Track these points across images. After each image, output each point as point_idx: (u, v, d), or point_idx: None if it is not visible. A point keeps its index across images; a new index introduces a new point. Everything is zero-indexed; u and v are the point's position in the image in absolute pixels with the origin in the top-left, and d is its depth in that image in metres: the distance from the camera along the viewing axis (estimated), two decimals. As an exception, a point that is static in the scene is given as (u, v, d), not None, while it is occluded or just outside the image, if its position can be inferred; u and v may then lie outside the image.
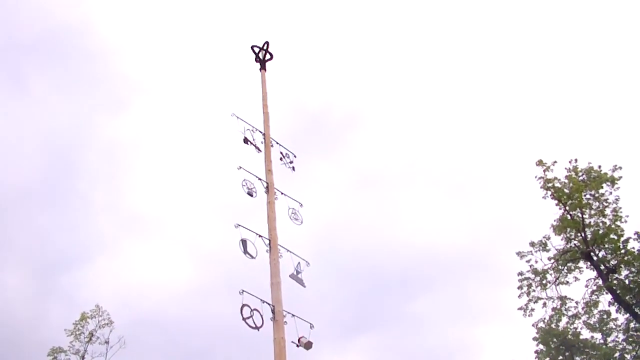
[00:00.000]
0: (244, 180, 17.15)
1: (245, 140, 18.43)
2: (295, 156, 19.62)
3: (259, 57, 20.96)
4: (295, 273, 16.29)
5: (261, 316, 14.64)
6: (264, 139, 18.86)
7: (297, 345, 15.08)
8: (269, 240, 16.00)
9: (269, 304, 14.90)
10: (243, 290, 14.49)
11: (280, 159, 19.17)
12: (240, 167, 17.23)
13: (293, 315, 15.08)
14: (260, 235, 15.88)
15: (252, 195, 17.01)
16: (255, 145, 18.54)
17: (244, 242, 15.42)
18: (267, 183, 17.44)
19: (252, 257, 15.67)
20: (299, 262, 16.47)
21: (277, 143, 19.28)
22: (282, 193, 17.70)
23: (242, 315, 14.39)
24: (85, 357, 33.28)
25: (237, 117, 18.59)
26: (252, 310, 14.54)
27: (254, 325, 14.43)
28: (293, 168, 19.31)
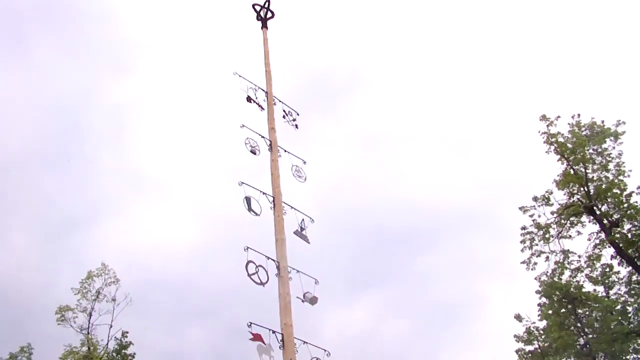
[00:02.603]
0: (247, 138, 17.20)
1: (248, 99, 18.43)
2: (298, 114, 19.63)
3: (260, 16, 20.84)
4: (299, 230, 16.42)
5: (266, 272, 14.78)
6: (267, 97, 18.85)
7: (302, 301, 15.27)
8: (273, 197, 16.10)
9: (273, 260, 15.05)
10: (248, 247, 14.62)
11: (283, 117, 19.18)
12: (243, 126, 17.27)
13: (298, 271, 15.24)
14: (264, 193, 15.98)
15: (255, 153, 17.08)
16: (258, 104, 18.55)
17: (248, 200, 15.52)
18: (270, 141, 17.49)
19: (256, 214, 15.78)
20: (302, 219, 16.60)
21: (280, 101, 19.28)
22: (285, 151, 17.76)
23: (247, 271, 14.53)
24: (93, 314, 33.69)
25: (240, 76, 18.57)
26: (257, 267, 14.68)
27: (259, 282, 14.58)
28: (296, 126, 19.34)
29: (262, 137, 17.56)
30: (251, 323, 13.71)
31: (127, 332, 35.25)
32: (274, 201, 16.04)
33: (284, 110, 19.30)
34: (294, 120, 19.40)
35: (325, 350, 14.87)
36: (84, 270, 34.56)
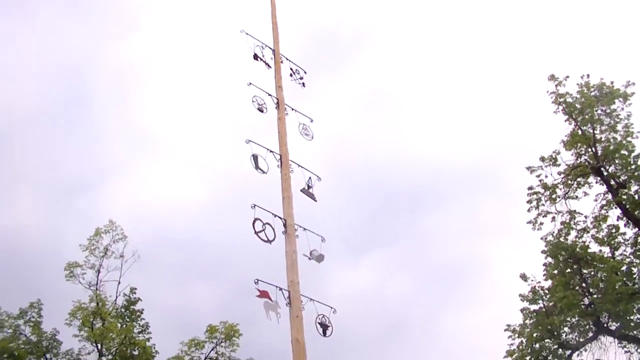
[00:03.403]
0: (254, 96, 17.20)
1: (255, 57, 18.38)
2: (305, 72, 19.57)
3: (267, -28, 20.61)
4: (306, 187, 16.47)
5: (273, 230, 14.86)
6: (274, 55, 18.78)
7: (309, 258, 15.37)
8: (280, 155, 16.13)
9: (280, 218, 15.12)
10: (255, 205, 14.68)
11: (290, 75, 19.14)
12: (251, 84, 17.25)
13: (304, 228, 15.32)
14: (271, 151, 16.01)
15: (262, 111, 17.08)
16: (265, 62, 18.49)
17: (255, 158, 15.56)
18: (277, 99, 17.46)
19: (263, 172, 15.82)
20: (309, 177, 16.64)
21: (287, 59, 19.21)
22: (292, 109, 17.75)
23: (254, 229, 14.61)
24: (101, 271, 34.04)
25: (247, 34, 18.48)
26: (264, 224, 14.76)
27: (265, 239, 14.67)
28: (303, 84, 19.29)
29: (269, 95, 17.54)
30: (258, 280, 13.84)
31: (136, 289, 35.62)
32: (281, 159, 16.07)
33: (291, 69, 19.25)
34: (301, 78, 19.35)
35: (331, 308, 15.01)
36: (92, 229, 34.79)
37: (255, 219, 14.66)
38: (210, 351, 33.84)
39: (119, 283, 34.53)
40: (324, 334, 14.71)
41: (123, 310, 35.22)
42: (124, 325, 34.09)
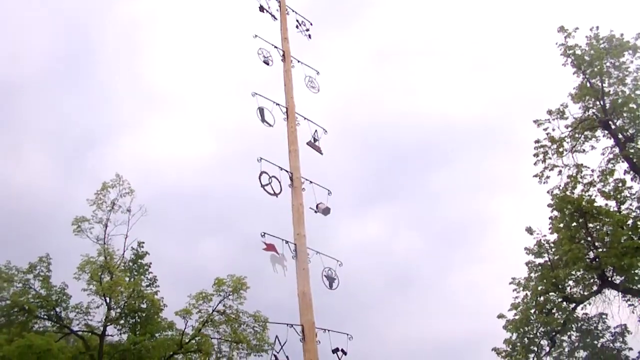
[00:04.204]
0: (260, 49, 17.00)
1: (261, 9, 18.14)
2: (311, 24, 19.33)
3: None
4: (312, 141, 16.39)
5: (279, 183, 14.83)
6: (280, 6, 18.52)
7: (315, 211, 15.36)
8: (286, 108, 16.01)
9: (287, 171, 15.07)
10: (261, 158, 14.62)
11: (296, 27, 18.91)
12: (256, 36, 17.04)
13: (311, 182, 15.27)
14: (277, 104, 15.88)
15: (268, 64, 16.90)
16: (270, 13, 18.26)
17: (261, 111, 15.45)
18: (283, 51, 17.26)
19: (269, 125, 15.74)
20: (316, 130, 16.54)
21: (293, 11, 18.96)
22: (298, 61, 17.57)
23: (260, 182, 14.58)
24: (108, 225, 34.19)
25: (252, -15, 18.24)
26: (270, 178, 14.72)
27: (272, 192, 14.65)
28: (309, 36, 19.07)
29: (275, 47, 17.33)
30: (264, 233, 13.84)
31: (143, 242, 35.88)
32: (287, 112, 15.96)
33: (297, 20, 19.01)
34: (307, 30, 19.14)
35: (337, 261, 15.04)
36: (100, 185, 34.84)
37: (262, 172, 14.62)
38: (218, 304, 34.16)
39: (127, 237, 34.76)
40: (330, 286, 14.77)
41: (131, 264, 35.51)
42: (132, 279, 34.41)
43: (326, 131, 16.75)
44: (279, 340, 12.96)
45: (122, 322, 34.19)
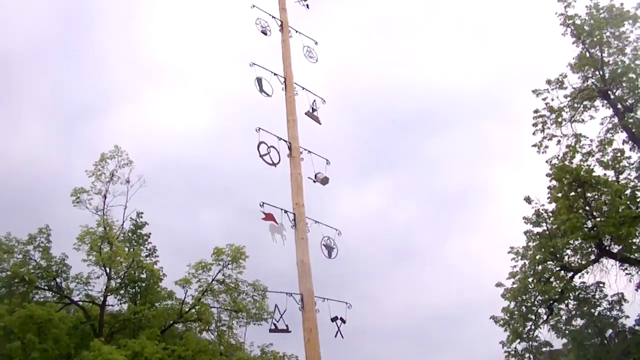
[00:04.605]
0: (258, 19, 16.92)
1: (258, -23, 18.01)
2: (310, -7, 19.21)
3: None
4: (310, 110, 16.37)
5: (278, 153, 14.84)
6: (277, -24, 18.40)
7: (314, 181, 15.38)
8: (284, 78, 15.97)
9: (285, 141, 15.07)
10: (260, 128, 14.61)
11: (294, -5, 18.79)
12: (254, 6, 16.95)
13: (309, 151, 15.28)
14: (275, 74, 15.84)
15: (266, 34, 16.82)
16: (268, -18, 18.14)
17: (259, 81, 15.41)
18: (281, 21, 17.17)
19: (267, 95, 15.72)
20: (314, 100, 16.51)
21: (291, -19, 18.82)
22: (296, 31, 17.47)
23: (259, 152, 14.58)
24: (107, 196, 34.17)
25: (248, -46, 18.06)
26: (268, 148, 14.73)
27: (270, 162, 14.66)
28: (307, 6, 18.93)
29: (273, 17, 17.24)
30: (263, 203, 13.88)
31: (142, 213, 35.92)
32: (285, 82, 15.92)
33: (295, -11, 18.88)
34: (305, 0, 19.01)
35: (336, 230, 15.10)
36: (98, 156, 34.76)
37: (260, 142, 14.61)
38: (217, 273, 34.31)
39: (126, 208, 34.80)
40: (329, 255, 14.84)
41: (130, 234, 35.61)
42: (132, 249, 34.51)
43: (324, 101, 16.73)
44: (278, 309, 13.06)
45: (122, 292, 34.38)
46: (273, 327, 13.17)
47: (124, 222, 34.92)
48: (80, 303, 33.85)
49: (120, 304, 35.07)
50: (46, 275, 32.61)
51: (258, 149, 14.55)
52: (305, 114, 16.31)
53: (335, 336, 14.22)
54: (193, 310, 34.08)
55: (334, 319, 14.05)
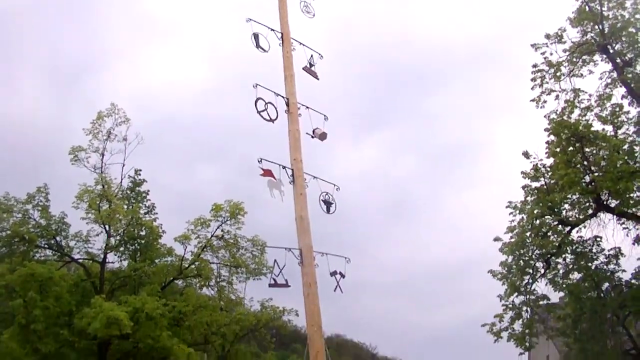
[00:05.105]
0: (253, -27, 16.74)
1: None
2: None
3: None
4: (308, 66, 16.27)
5: (275, 109, 14.80)
6: None
7: (312, 137, 15.36)
8: (281, 33, 15.81)
9: (283, 96, 15.02)
10: (257, 84, 14.55)
11: (290, -51, 18.51)
12: (249, -40, 16.75)
13: (307, 107, 15.23)
14: (272, 29, 15.70)
15: (262, -12, 16.65)
16: None
17: (256, 36, 15.26)
18: (277, -25, 16.97)
19: (264, 50, 15.60)
20: (312, 55, 16.38)
21: None
22: (292, -16, 17.26)
23: (256, 108, 14.54)
24: (105, 154, 34.13)
25: None
26: (266, 104, 14.67)
27: (268, 118, 14.62)
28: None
29: (269, -29, 17.04)
30: (261, 159, 13.88)
31: (140, 170, 35.95)
32: (282, 37, 15.77)
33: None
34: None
35: (335, 185, 15.13)
36: (95, 114, 34.62)
37: (258, 99, 14.56)
38: (216, 229, 34.53)
39: (124, 166, 34.81)
40: (328, 211, 14.89)
41: (129, 192, 35.69)
42: (130, 207, 34.65)
43: (322, 57, 16.60)
44: (277, 264, 13.14)
45: (121, 249, 34.61)
46: (272, 282, 13.26)
47: (122, 179, 35.02)
48: (81, 261, 34.09)
49: (120, 261, 35.41)
50: (46, 233, 32.78)
51: (255, 105, 14.50)
52: (303, 69, 16.21)
53: (335, 290, 14.35)
54: (193, 267, 34.36)
55: (333, 274, 14.15)
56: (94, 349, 30.07)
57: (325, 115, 15.45)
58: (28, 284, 28.46)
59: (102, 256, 33.64)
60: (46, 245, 33.62)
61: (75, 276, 33.62)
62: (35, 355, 27.97)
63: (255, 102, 14.49)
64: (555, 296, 29.15)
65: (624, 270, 27.87)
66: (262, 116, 14.50)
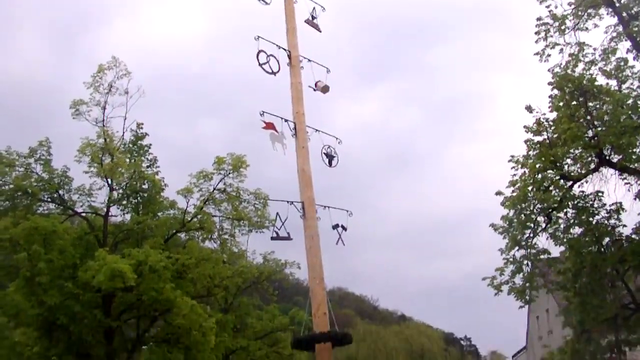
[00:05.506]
0: None
1: None
2: None
3: None
4: (310, 18, 16.19)
5: (277, 62, 14.77)
6: None
7: (314, 90, 15.35)
8: (283, -16, 15.72)
9: (285, 49, 14.96)
10: (259, 37, 14.48)
11: None
12: None
13: (309, 60, 15.18)
14: (274, -19, 15.59)
15: (263, -60, 16.41)
16: None
17: (256, -13, 15.19)
18: None
19: (266, 3, 15.62)
20: (314, 7, 16.31)
21: None
22: (294, -64, 17.01)
23: (258, 61, 14.52)
24: (107, 108, 33.90)
25: None
26: (268, 56, 14.66)
27: (270, 71, 14.62)
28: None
29: None
30: (264, 112, 13.88)
31: (142, 124, 35.82)
32: (284, -12, 15.68)
33: None
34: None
35: (337, 138, 15.16)
36: (96, 68, 34.36)
37: (260, 51, 14.53)
38: (219, 182, 34.57)
39: (125, 119, 34.62)
40: (330, 164, 14.95)
41: (131, 145, 35.64)
42: (133, 160, 34.63)
43: (324, 9, 16.52)
44: (279, 217, 13.24)
45: (124, 202, 34.70)
46: (275, 234, 13.38)
47: (124, 133, 34.90)
48: (84, 214, 34.20)
49: (123, 214, 35.49)
50: (49, 187, 32.82)
51: (257, 57, 14.48)
52: (305, 22, 16.14)
53: (337, 243, 14.48)
54: (195, 220, 34.50)
55: (335, 227, 14.26)
56: (98, 301, 30.34)
57: (327, 68, 15.43)
58: (32, 238, 28.59)
59: (105, 210, 33.72)
60: (49, 199, 33.66)
61: (78, 229, 33.74)
62: (40, 307, 28.22)
63: (257, 54, 14.46)
64: (555, 250, 29.33)
65: (624, 225, 27.98)
66: (264, 69, 14.50)
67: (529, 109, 27.71)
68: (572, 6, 28.80)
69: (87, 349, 30.31)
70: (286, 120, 14.06)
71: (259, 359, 42.51)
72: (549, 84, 27.52)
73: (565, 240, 28.18)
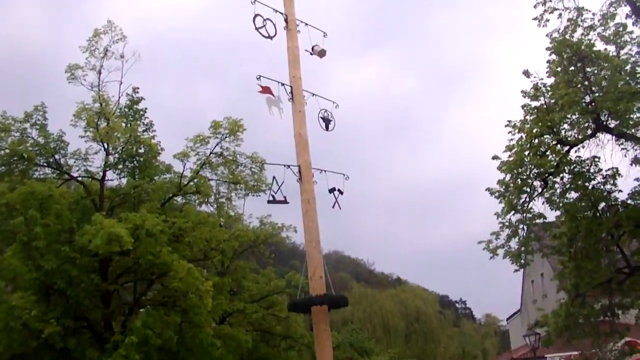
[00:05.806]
0: None
1: None
2: None
3: None
4: (307, -19, 16.03)
5: (274, 25, 14.67)
6: None
7: (311, 54, 15.28)
8: (280, -53, 15.53)
9: (281, 13, 14.86)
10: (255, 0, 14.38)
11: None
12: None
13: (306, 24, 15.09)
14: (270, -57, 15.38)
15: None
16: None
17: (254, -50, 14.98)
18: None
19: (262, -35, 15.38)
20: (311, -30, 16.12)
21: None
22: None
23: (254, 25, 14.42)
24: (102, 72, 33.69)
25: None
26: (264, 20, 14.56)
27: (266, 35, 14.53)
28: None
29: None
30: (260, 76, 13.83)
31: (138, 88, 35.67)
32: (281, -49, 15.50)
33: None
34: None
35: (333, 103, 15.13)
36: (92, 32, 34.08)
37: (256, 15, 14.43)
38: (215, 146, 34.55)
39: (121, 83, 34.45)
40: (327, 128, 14.95)
41: (126, 110, 35.53)
42: (128, 125, 34.55)
43: (322, -29, 16.31)
44: (276, 181, 13.26)
45: (120, 166, 34.65)
46: (271, 198, 13.42)
47: (119, 97, 34.76)
48: (80, 179, 34.16)
49: (120, 178, 35.48)
50: (45, 152, 32.74)
51: (254, 21, 14.37)
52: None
53: (333, 207, 14.53)
54: (192, 183, 34.54)
55: (331, 190, 14.30)
56: (95, 266, 30.47)
57: (324, 32, 15.34)
58: (28, 202, 28.62)
59: (101, 174, 33.66)
60: (45, 164, 33.60)
61: (75, 194, 33.76)
62: (37, 271, 28.35)
63: (254, 18, 14.35)
64: (551, 215, 29.39)
65: (620, 191, 28.02)
66: (260, 33, 14.40)
67: (527, 73, 27.58)
68: (572, -30, 28.52)
69: (84, 313, 30.56)
70: (283, 85, 14.02)
71: (256, 322, 42.86)
72: (547, 49, 27.36)
73: (561, 205, 28.23)
